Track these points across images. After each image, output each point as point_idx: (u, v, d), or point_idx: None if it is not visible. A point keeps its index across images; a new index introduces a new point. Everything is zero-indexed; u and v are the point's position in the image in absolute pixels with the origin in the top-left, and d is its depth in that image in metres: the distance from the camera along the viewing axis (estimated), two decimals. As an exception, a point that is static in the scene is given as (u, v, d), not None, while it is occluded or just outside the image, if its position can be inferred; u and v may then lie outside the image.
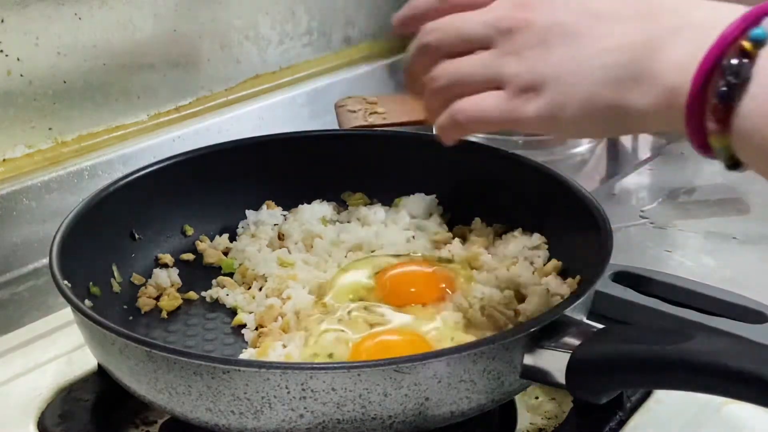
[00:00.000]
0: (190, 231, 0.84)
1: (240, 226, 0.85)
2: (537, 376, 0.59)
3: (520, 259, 0.76)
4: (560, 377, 0.58)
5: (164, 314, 0.76)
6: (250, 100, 1.14)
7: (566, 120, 0.54)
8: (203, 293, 0.78)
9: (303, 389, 0.54)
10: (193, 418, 0.58)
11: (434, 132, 0.62)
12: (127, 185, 0.78)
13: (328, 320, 0.68)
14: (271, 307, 0.72)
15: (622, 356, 0.55)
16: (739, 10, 0.49)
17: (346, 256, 0.79)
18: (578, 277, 0.70)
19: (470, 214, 0.83)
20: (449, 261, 0.77)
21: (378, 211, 0.85)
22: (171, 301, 0.77)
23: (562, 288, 0.71)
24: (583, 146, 1.15)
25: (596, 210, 0.71)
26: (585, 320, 0.62)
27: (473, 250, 0.78)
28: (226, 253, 0.83)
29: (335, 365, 0.58)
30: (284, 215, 0.86)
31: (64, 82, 0.96)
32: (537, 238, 0.78)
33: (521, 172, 0.81)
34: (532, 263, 0.76)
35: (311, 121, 1.19)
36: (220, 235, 0.84)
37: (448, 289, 0.72)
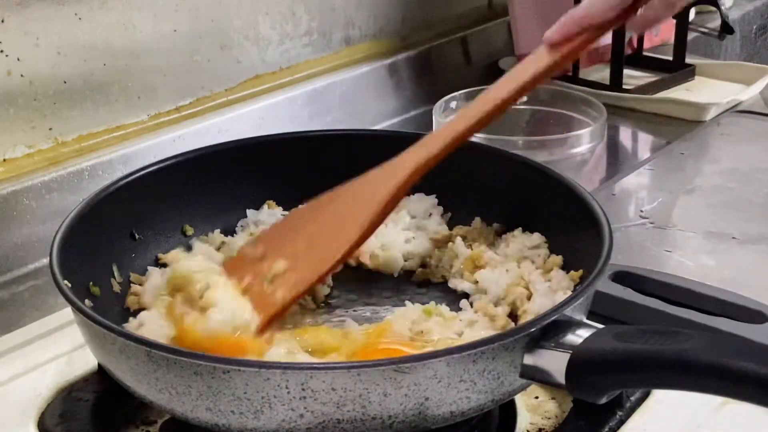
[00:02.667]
0: (190, 231, 0.83)
1: (239, 224, 0.85)
2: (537, 376, 0.59)
3: (520, 260, 0.76)
4: (560, 377, 0.58)
5: (164, 314, 0.76)
6: (250, 100, 1.14)
7: None
8: (203, 293, 0.78)
9: (303, 389, 0.54)
10: (193, 418, 0.58)
11: None
12: (127, 185, 0.78)
13: None
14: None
15: (622, 356, 0.55)
16: None
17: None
18: (581, 270, 0.70)
19: (470, 214, 0.83)
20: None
21: (378, 211, 0.84)
22: (171, 301, 0.76)
23: (565, 281, 0.71)
24: (583, 146, 1.15)
25: (596, 210, 0.71)
26: (585, 320, 0.62)
27: (476, 248, 0.79)
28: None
29: (335, 365, 0.58)
30: (284, 215, 0.86)
31: (64, 82, 0.96)
32: (537, 238, 0.78)
33: (521, 173, 0.81)
34: (532, 263, 0.76)
35: (311, 121, 1.19)
36: (213, 232, 0.84)
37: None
